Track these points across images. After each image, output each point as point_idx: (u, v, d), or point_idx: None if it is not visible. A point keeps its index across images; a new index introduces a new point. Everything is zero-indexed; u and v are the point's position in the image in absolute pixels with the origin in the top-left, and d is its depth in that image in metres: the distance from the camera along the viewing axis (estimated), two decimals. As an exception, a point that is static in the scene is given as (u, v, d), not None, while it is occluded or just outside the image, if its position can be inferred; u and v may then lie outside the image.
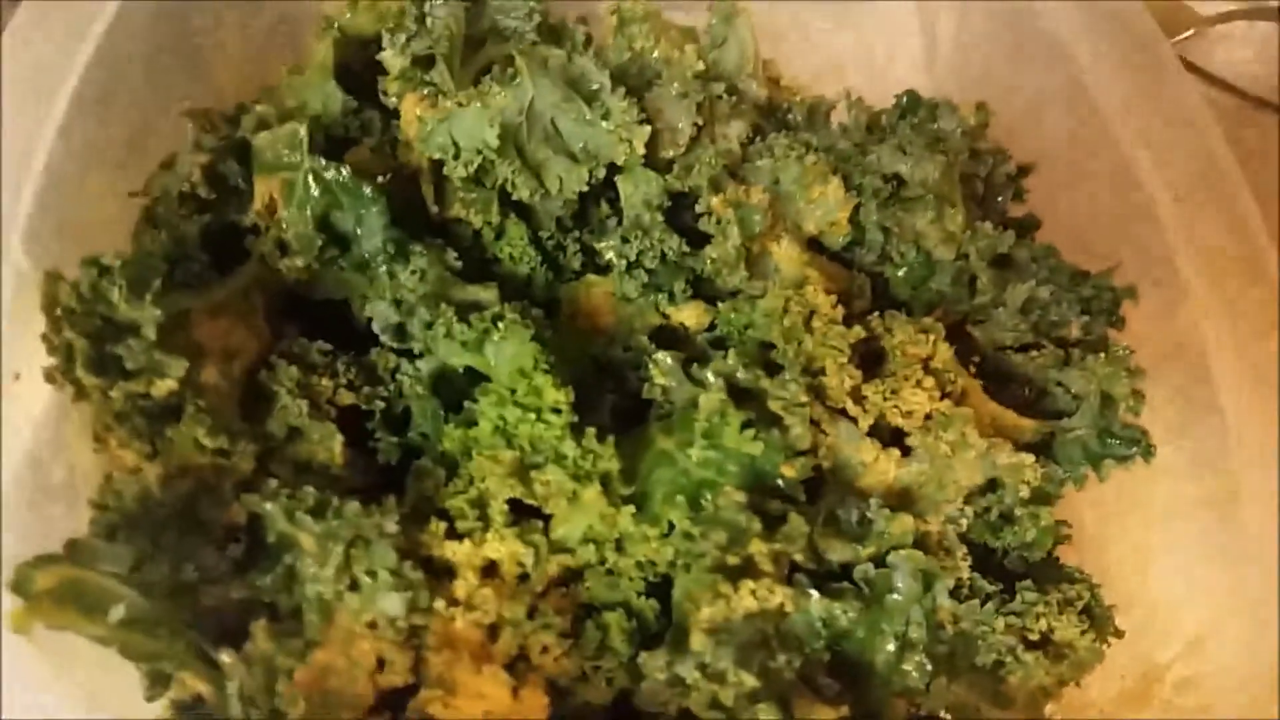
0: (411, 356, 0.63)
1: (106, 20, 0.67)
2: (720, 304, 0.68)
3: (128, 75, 0.67)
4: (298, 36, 0.77)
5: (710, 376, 0.59)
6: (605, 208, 0.73)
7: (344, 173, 0.63)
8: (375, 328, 0.63)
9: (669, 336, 0.70)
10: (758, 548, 0.50)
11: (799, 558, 0.51)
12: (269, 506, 0.50)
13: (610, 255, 0.69)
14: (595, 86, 0.69)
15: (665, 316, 0.70)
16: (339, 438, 0.58)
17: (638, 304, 0.69)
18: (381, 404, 0.62)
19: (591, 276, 0.71)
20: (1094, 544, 0.66)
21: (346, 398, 0.61)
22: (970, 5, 0.85)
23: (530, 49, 0.69)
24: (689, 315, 0.69)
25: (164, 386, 0.53)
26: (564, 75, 0.69)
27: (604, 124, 0.68)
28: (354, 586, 0.49)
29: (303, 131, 0.63)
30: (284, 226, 0.63)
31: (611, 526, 0.53)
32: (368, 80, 0.73)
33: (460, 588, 0.50)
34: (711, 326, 0.69)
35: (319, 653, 0.48)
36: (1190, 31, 1.04)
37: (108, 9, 0.67)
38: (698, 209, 0.67)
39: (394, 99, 0.72)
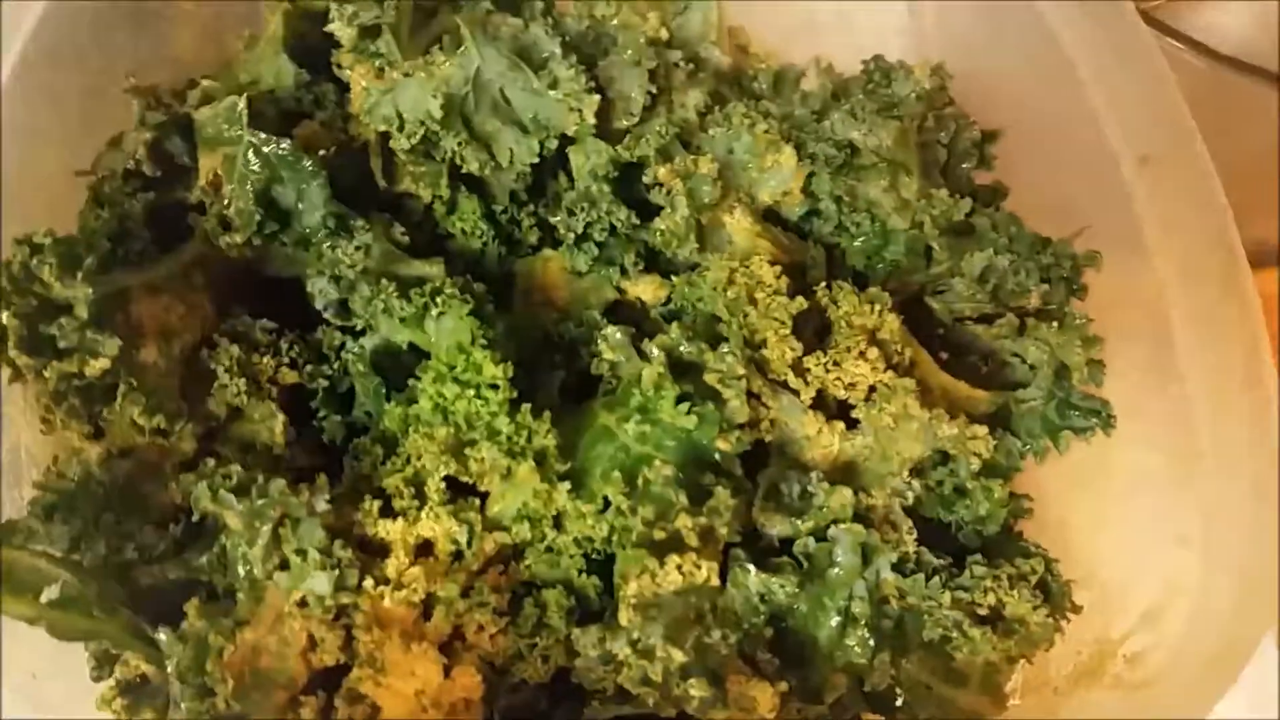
0: (355, 334, 0.62)
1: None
2: (674, 278, 0.67)
3: (79, 47, 0.66)
4: (256, 9, 0.75)
5: (654, 350, 0.58)
6: (563, 180, 0.72)
7: (284, 146, 0.62)
8: (317, 304, 0.62)
9: (625, 312, 0.69)
10: (684, 522, 0.49)
11: (725, 532, 0.50)
12: (198, 486, 0.50)
13: (561, 229, 0.68)
14: (545, 55, 0.67)
15: (621, 291, 0.69)
16: (280, 417, 0.58)
17: (591, 278, 0.68)
18: (325, 382, 0.61)
19: (547, 251, 0.70)
20: (1056, 519, 0.65)
21: (289, 376, 0.61)
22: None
23: (478, 17, 0.68)
24: (645, 289, 0.68)
25: (98, 366, 0.52)
26: (513, 44, 0.67)
27: (553, 93, 0.66)
28: (284, 566, 0.49)
29: (241, 104, 0.63)
30: (226, 203, 0.62)
31: (547, 503, 0.52)
32: (322, 53, 0.72)
33: (391, 566, 0.50)
34: (668, 302, 0.68)
35: (248, 631, 0.47)
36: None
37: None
38: (645, 179, 0.66)
39: (347, 71, 0.70)
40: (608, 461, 0.54)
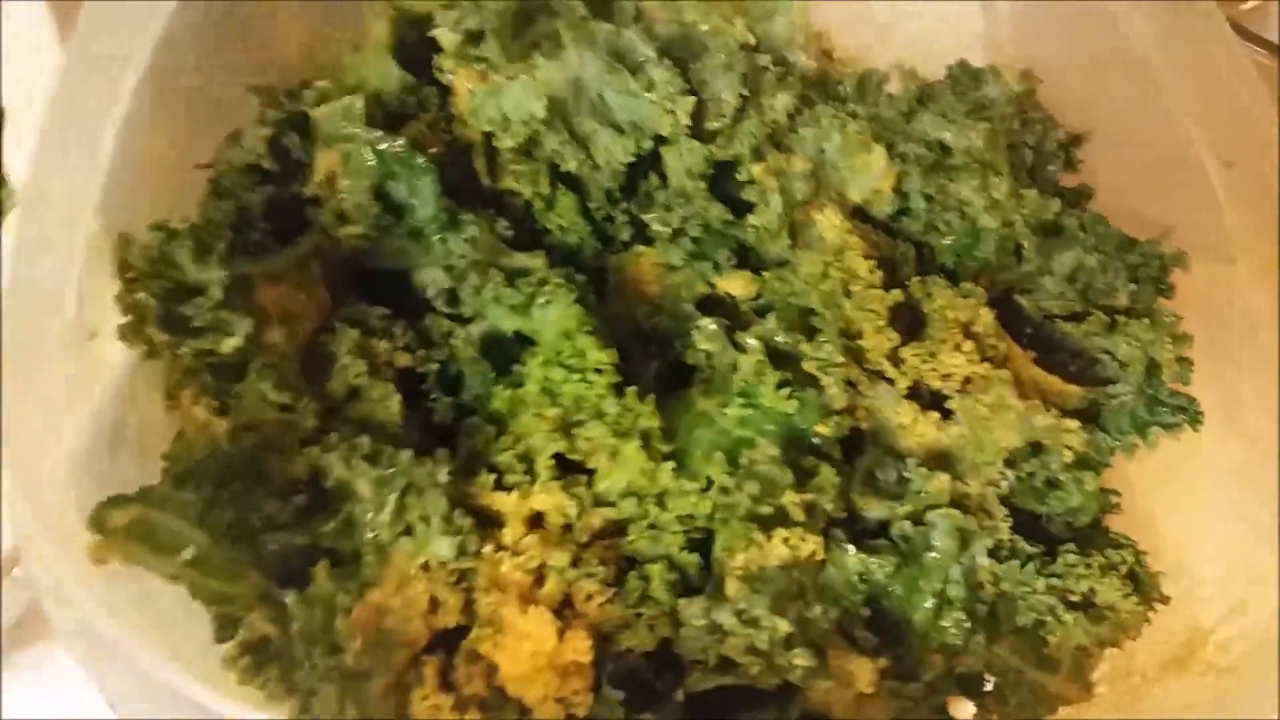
0: (463, 321, 0.65)
1: (176, -3, 0.70)
2: (765, 273, 0.69)
3: (196, 50, 0.70)
4: (359, 14, 0.79)
5: (750, 340, 0.60)
6: (655, 180, 0.74)
7: (399, 144, 0.65)
8: (429, 293, 0.65)
9: (716, 306, 0.71)
10: (789, 498, 0.51)
11: (830, 508, 0.52)
12: (329, 456, 0.52)
13: (656, 225, 0.70)
14: (641, 59, 0.70)
15: (712, 286, 0.71)
16: (396, 397, 0.61)
17: (683, 273, 0.70)
18: (436, 366, 0.64)
19: (639, 247, 0.73)
20: (1144, 515, 0.66)
21: (403, 360, 0.63)
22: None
23: (577, 22, 0.70)
24: (736, 285, 0.71)
25: (230, 344, 0.55)
26: (610, 48, 0.70)
27: (648, 95, 0.69)
28: (408, 532, 0.51)
29: (359, 105, 0.66)
30: (342, 197, 0.66)
31: (652, 481, 0.54)
32: (424, 57, 0.76)
33: (508, 535, 0.52)
34: (758, 296, 0.70)
35: (375, 592, 0.50)
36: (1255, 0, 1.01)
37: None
38: (740, 177, 0.68)
39: (449, 75, 0.74)
40: (708, 444, 0.56)
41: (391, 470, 0.52)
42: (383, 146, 0.65)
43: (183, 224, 0.57)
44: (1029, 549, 0.56)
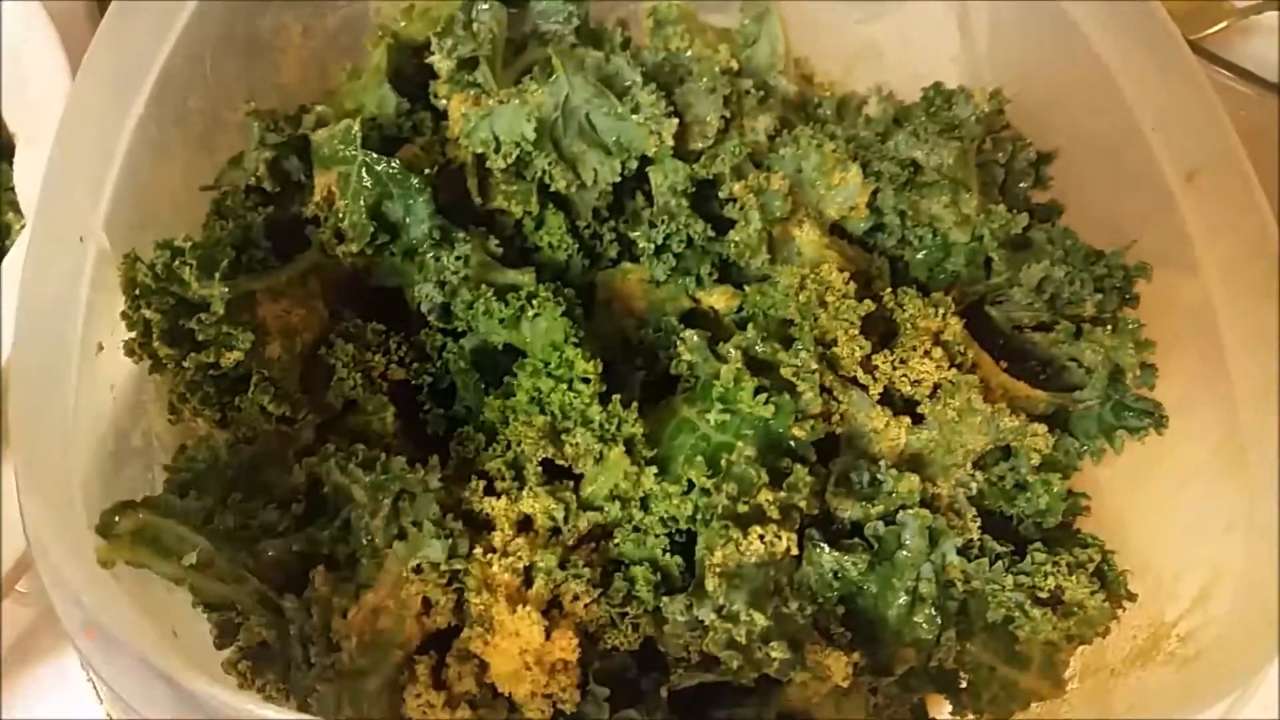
0: (455, 335, 0.67)
1: (183, 21, 0.72)
2: (746, 288, 0.71)
3: (200, 75, 0.73)
4: (357, 42, 0.82)
5: (731, 350, 0.63)
6: (640, 199, 0.77)
7: (394, 165, 0.68)
8: (422, 308, 0.68)
9: (699, 319, 0.74)
10: (765, 496, 0.53)
11: (804, 506, 0.54)
12: (326, 464, 0.55)
13: (641, 241, 0.73)
14: (628, 83, 0.73)
15: (695, 301, 0.74)
16: (391, 409, 0.63)
17: (668, 288, 0.73)
18: (429, 379, 0.66)
19: (626, 264, 0.76)
20: (1114, 516, 0.68)
21: (397, 373, 0.66)
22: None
23: (566, 50, 0.74)
24: (718, 299, 0.73)
25: (232, 357, 0.58)
26: (598, 73, 0.73)
27: (635, 117, 0.72)
28: (401, 536, 0.54)
29: (356, 127, 0.69)
30: (340, 216, 0.68)
31: (636, 485, 0.57)
32: (419, 83, 0.79)
33: (497, 538, 0.54)
34: (739, 310, 0.73)
35: (370, 594, 0.52)
36: (1223, 24, 1.05)
37: (184, 11, 0.73)
38: (721, 194, 0.71)
39: (443, 100, 0.77)
40: (690, 449, 0.59)
41: (386, 476, 0.54)
42: (379, 167, 0.68)
43: (187, 242, 0.59)
44: (998, 548, 0.58)
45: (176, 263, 0.59)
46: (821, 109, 0.82)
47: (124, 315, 0.59)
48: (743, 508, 0.54)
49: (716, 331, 0.70)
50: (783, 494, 0.54)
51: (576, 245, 0.75)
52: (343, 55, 0.85)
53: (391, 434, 0.63)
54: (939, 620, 0.55)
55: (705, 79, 0.76)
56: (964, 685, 0.60)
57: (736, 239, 0.70)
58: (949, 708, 0.62)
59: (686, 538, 0.59)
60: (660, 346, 0.71)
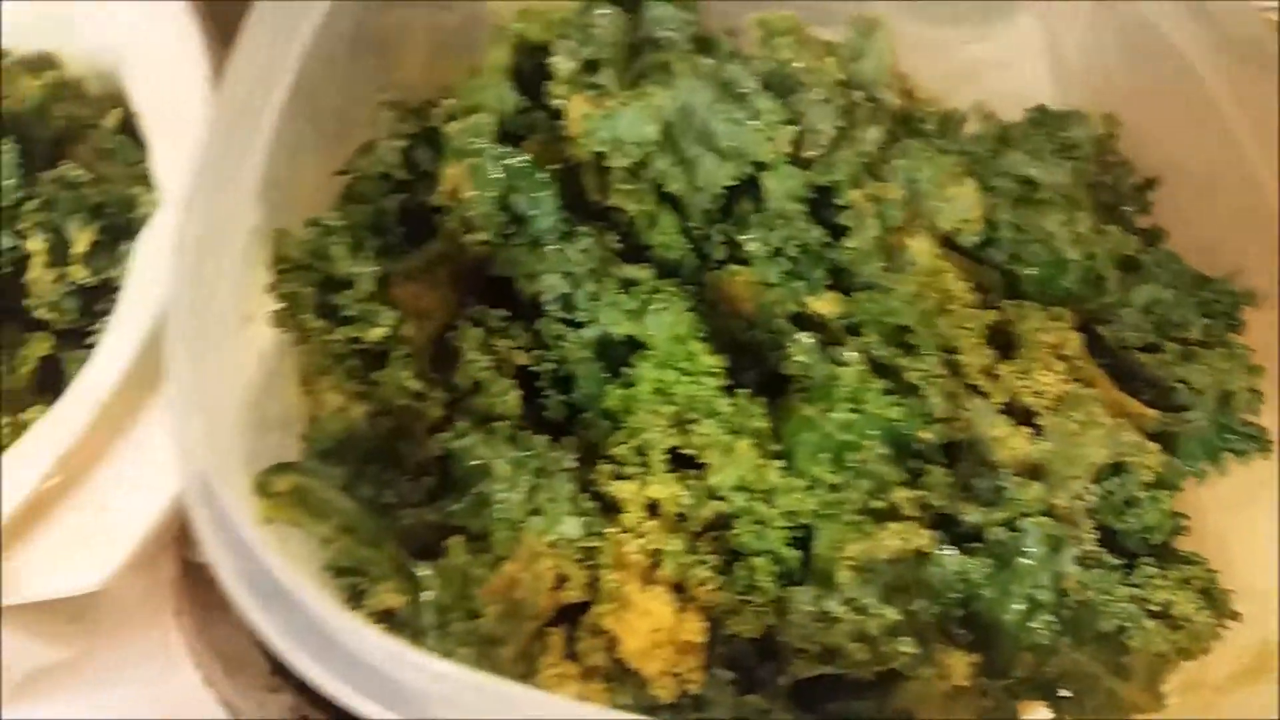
0: (575, 325, 0.69)
1: (317, 20, 0.75)
2: (855, 294, 0.73)
3: (333, 68, 0.76)
4: (475, 40, 0.84)
5: (850, 353, 0.64)
6: (745, 204, 0.79)
7: (524, 160, 0.70)
8: (545, 298, 0.69)
9: (805, 323, 0.75)
10: (901, 494, 0.55)
11: (939, 505, 0.56)
12: (468, 439, 0.57)
13: (754, 245, 0.75)
14: (745, 90, 0.75)
15: (802, 305, 0.75)
16: (516, 392, 0.65)
17: (778, 291, 0.74)
18: (550, 366, 0.68)
19: (733, 266, 0.77)
20: (1215, 538, 0.69)
21: (520, 358, 0.68)
22: (1097, 19, 0.89)
23: (688, 55, 0.76)
24: (826, 305, 0.75)
25: (377, 333, 0.60)
26: (716, 79, 0.75)
27: (752, 124, 0.74)
28: (537, 512, 0.56)
29: (488, 122, 0.71)
30: (469, 206, 0.71)
31: (761, 478, 0.58)
32: (535, 82, 0.81)
33: (629, 518, 0.56)
34: (846, 316, 0.74)
35: (508, 565, 0.54)
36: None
37: (317, 10, 0.76)
38: (838, 202, 0.73)
39: (559, 100, 0.79)
40: (813, 446, 0.60)
41: (528, 453, 0.56)
42: (509, 161, 0.70)
43: (337, 221, 0.62)
44: (1112, 559, 0.60)
45: (326, 240, 0.61)
46: (925, 124, 0.84)
47: (271, 288, 0.62)
48: (877, 504, 0.55)
49: (823, 335, 0.72)
50: (919, 492, 0.55)
51: (688, 245, 0.77)
52: (460, 53, 0.88)
53: (516, 415, 0.65)
54: (1057, 627, 0.57)
55: (819, 89, 0.78)
56: (1066, 694, 0.61)
57: (852, 245, 0.72)
58: (1041, 713, 0.63)
59: (804, 531, 0.60)
60: (769, 348, 0.73)
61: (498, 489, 0.56)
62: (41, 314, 0.79)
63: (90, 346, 0.75)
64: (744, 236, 0.75)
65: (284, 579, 0.47)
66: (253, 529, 0.49)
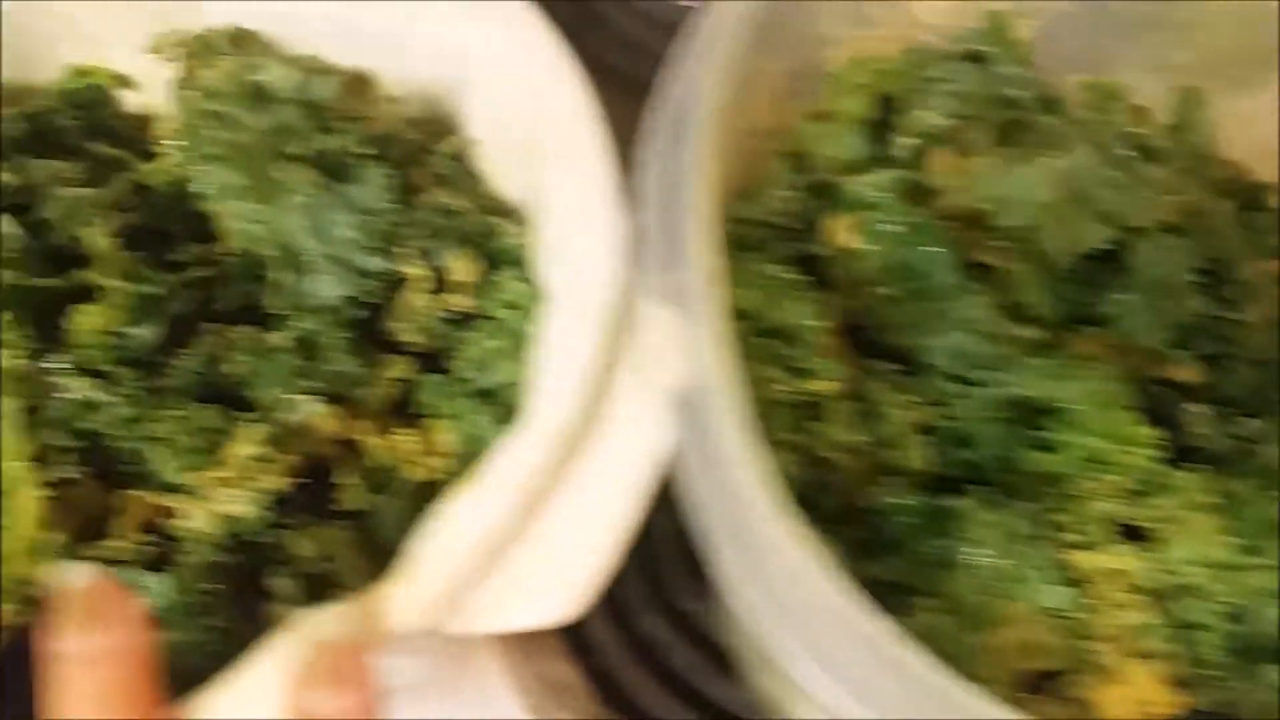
0: (968, 383, 0.70)
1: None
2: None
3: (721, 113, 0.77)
4: (813, 85, 0.86)
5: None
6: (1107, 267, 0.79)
7: (923, 215, 0.72)
8: (941, 356, 0.70)
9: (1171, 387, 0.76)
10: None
11: None
12: (961, 501, 0.58)
13: (1118, 309, 0.75)
14: (1126, 156, 0.76)
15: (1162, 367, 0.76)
16: (926, 448, 0.66)
17: (1146, 353, 0.75)
18: (948, 422, 0.69)
19: (1087, 328, 0.78)
20: None
21: (916, 413, 0.69)
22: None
23: (1074, 119, 0.77)
24: (1186, 371, 0.75)
25: (827, 386, 0.61)
26: (1096, 142, 0.76)
27: (1135, 190, 0.75)
28: (1018, 579, 0.57)
29: (889, 178, 0.72)
30: (861, 258, 0.72)
31: (1217, 553, 0.59)
32: (874, 135, 0.83)
33: (1102, 589, 0.57)
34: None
35: (998, 631, 0.55)
36: None
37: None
38: (1227, 277, 0.73)
39: (906, 151, 0.80)
40: (1257, 522, 0.61)
41: (1018, 521, 0.57)
42: (908, 216, 0.72)
43: (785, 273, 0.63)
44: None
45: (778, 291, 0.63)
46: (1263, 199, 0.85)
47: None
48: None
49: (1189, 398, 0.73)
50: None
51: (1053, 303, 0.77)
52: (795, 100, 0.89)
53: (924, 471, 0.66)
54: None
55: (1179, 160, 0.79)
56: None
57: (1239, 319, 0.72)
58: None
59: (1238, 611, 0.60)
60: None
61: (984, 557, 0.57)
62: (407, 337, 0.81)
63: (444, 371, 0.77)
64: (1120, 298, 0.75)
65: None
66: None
